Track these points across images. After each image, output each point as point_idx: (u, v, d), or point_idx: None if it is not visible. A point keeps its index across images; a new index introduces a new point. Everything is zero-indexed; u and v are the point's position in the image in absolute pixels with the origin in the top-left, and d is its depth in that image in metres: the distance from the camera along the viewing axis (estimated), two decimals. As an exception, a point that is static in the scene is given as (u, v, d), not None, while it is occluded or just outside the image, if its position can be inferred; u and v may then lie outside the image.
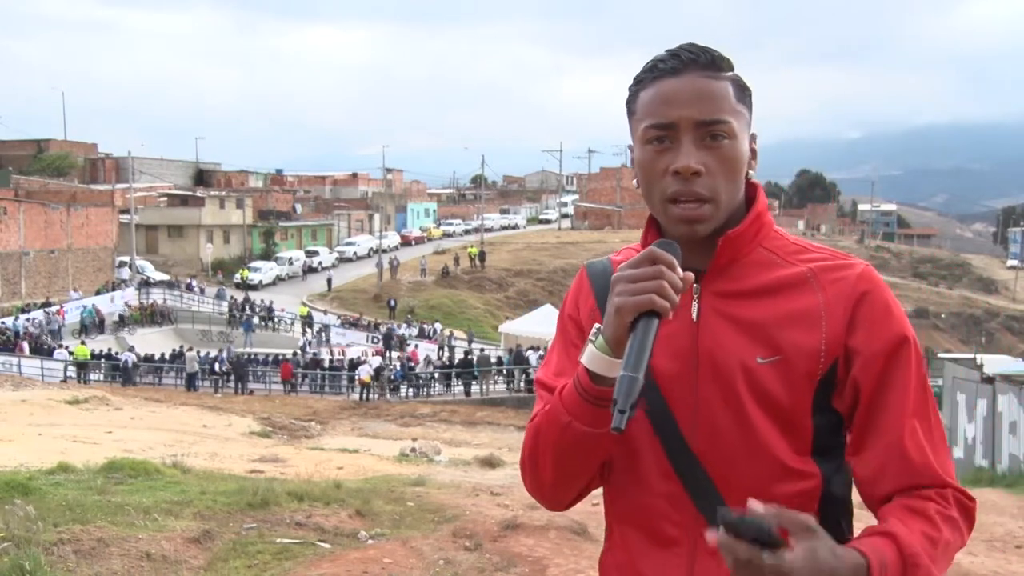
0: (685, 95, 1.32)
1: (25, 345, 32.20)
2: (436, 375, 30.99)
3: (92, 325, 37.33)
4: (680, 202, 1.32)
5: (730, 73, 1.36)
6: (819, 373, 1.32)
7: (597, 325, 1.29)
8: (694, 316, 1.36)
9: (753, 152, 1.39)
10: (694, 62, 1.34)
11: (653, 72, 1.36)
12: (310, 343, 37.11)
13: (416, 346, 36.01)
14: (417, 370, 31.60)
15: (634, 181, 1.42)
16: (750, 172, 1.39)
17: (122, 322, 38.85)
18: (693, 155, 1.31)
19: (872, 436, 1.32)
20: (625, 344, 1.23)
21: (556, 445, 1.34)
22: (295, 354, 33.51)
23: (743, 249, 1.38)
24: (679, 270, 1.24)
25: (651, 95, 1.35)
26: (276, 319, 41.76)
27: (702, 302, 1.37)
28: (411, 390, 30.42)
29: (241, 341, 37.43)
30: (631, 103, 1.40)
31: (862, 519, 1.34)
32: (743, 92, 1.37)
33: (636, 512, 1.40)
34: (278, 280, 51.40)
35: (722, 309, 1.36)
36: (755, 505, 1.14)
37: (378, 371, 29.64)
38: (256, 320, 41.76)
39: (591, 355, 1.27)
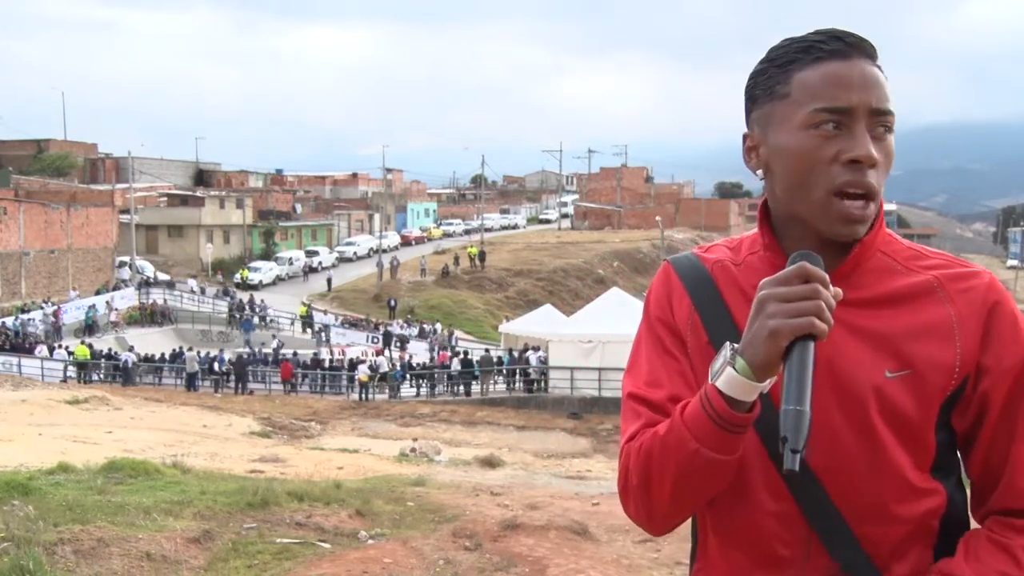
0: (859, 80, 1.23)
1: (44, 348, 32.17)
2: (436, 374, 30.97)
3: (94, 326, 37.32)
4: (849, 197, 1.22)
5: (879, 64, 1.27)
6: (950, 389, 1.25)
7: (732, 345, 1.18)
8: None
9: None
10: (859, 47, 1.25)
11: (812, 52, 1.25)
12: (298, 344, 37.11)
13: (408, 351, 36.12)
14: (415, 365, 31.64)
15: (757, 172, 1.32)
16: None
17: (114, 326, 38.78)
18: (870, 144, 1.22)
19: (992, 455, 1.27)
20: (772, 370, 1.13)
21: (678, 473, 1.23)
22: (295, 353, 33.52)
23: (867, 254, 1.29)
24: (831, 287, 1.14)
25: (820, 76, 1.24)
26: (270, 319, 41.78)
27: None
28: (412, 389, 30.42)
29: (241, 341, 37.45)
30: (774, 85, 1.28)
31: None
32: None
33: (742, 531, 1.30)
34: (278, 280, 51.40)
35: (845, 318, 1.25)
36: None
37: (375, 369, 29.68)
38: (255, 320, 41.82)
39: (730, 379, 1.15)
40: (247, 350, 34.52)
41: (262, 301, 43.78)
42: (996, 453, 1.26)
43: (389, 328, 40.09)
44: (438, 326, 41.47)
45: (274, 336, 37.64)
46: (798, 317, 1.11)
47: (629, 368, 1.40)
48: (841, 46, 1.25)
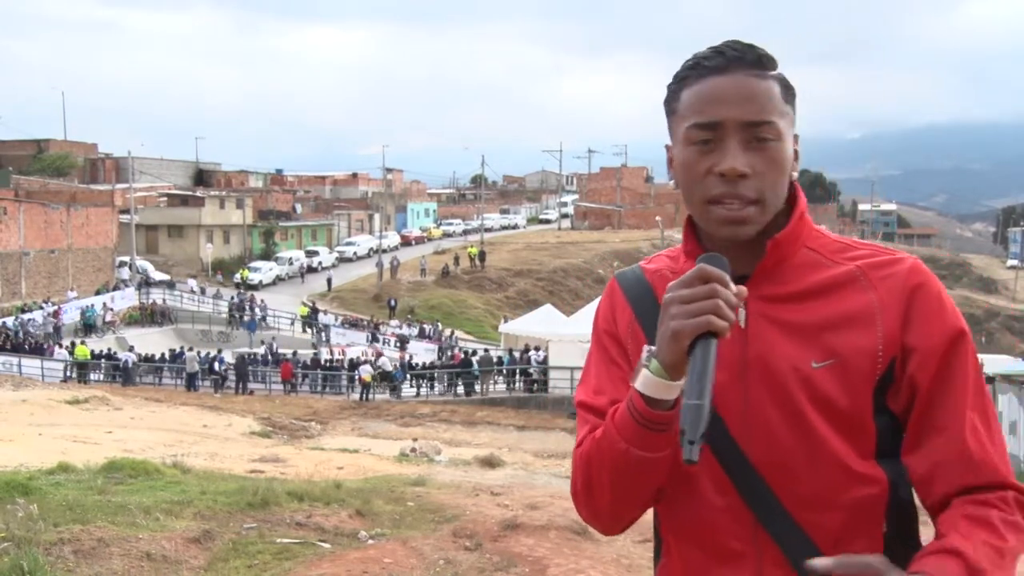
0: (731, 94, 1.27)
1: (57, 349, 32.16)
2: (435, 374, 30.99)
3: (94, 326, 37.33)
4: (724, 203, 1.27)
5: (775, 72, 1.31)
6: (878, 373, 1.28)
7: (648, 347, 1.24)
8: (741, 323, 1.30)
9: (795, 153, 1.35)
10: (740, 60, 1.29)
11: (696, 70, 1.31)
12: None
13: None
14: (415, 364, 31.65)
15: (671, 182, 1.38)
16: (792, 173, 1.34)
17: (110, 325, 38.78)
18: (739, 157, 1.26)
19: (930, 434, 1.28)
20: (682, 368, 1.18)
21: (612, 473, 1.29)
22: (295, 353, 33.53)
23: (789, 251, 1.34)
24: (732, 285, 1.19)
25: (695, 93, 1.30)
26: (271, 318, 41.81)
27: (749, 308, 1.32)
28: (412, 389, 30.44)
29: (246, 341, 37.48)
30: (671, 101, 1.35)
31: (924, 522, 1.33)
32: (788, 92, 1.32)
33: (694, 527, 1.34)
34: (278, 280, 51.43)
35: (770, 314, 1.32)
36: (816, 562, 1.13)
37: (376, 369, 29.71)
38: (257, 320, 41.85)
39: (646, 380, 1.22)
40: (252, 350, 34.55)
41: (262, 301, 43.79)
42: (936, 432, 1.27)
43: (376, 327, 40.17)
44: (439, 326, 41.48)
45: (273, 338, 37.66)
46: (697, 317, 1.17)
47: (581, 379, 1.47)
48: (721, 61, 1.29)
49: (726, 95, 1.28)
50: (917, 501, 1.35)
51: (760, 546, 1.29)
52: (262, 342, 37.25)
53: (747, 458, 1.29)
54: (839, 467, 1.27)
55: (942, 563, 1.17)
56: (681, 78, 1.33)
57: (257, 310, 42.27)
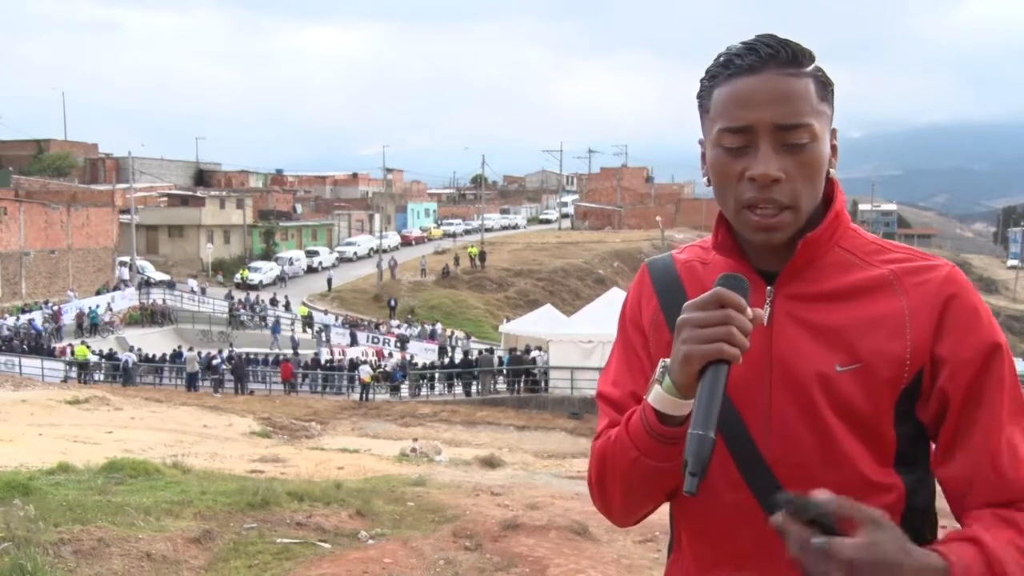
0: (763, 96, 1.23)
1: (68, 350, 32.21)
2: (437, 375, 30.99)
3: (95, 326, 37.32)
4: (758, 208, 1.24)
5: (811, 68, 1.26)
6: (903, 382, 1.25)
7: (664, 362, 1.22)
8: (766, 321, 1.28)
9: (834, 149, 1.30)
10: (773, 58, 1.24)
11: (728, 68, 1.26)
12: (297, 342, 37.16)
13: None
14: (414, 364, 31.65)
15: (704, 179, 1.34)
16: (830, 170, 1.30)
17: (109, 325, 38.78)
18: (772, 161, 1.23)
19: (962, 449, 1.24)
20: (693, 389, 1.17)
21: (624, 475, 1.30)
22: (295, 353, 33.53)
23: (820, 250, 1.30)
24: (749, 311, 1.16)
25: (726, 94, 1.26)
26: (271, 318, 41.82)
27: (775, 306, 1.29)
28: (411, 388, 30.44)
29: (246, 341, 37.50)
30: (704, 99, 1.31)
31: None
32: (825, 89, 1.27)
33: (706, 524, 1.33)
34: (278, 280, 51.41)
35: (797, 313, 1.28)
36: (820, 493, 1.10)
37: (376, 368, 29.72)
38: (256, 320, 41.87)
39: (657, 396, 1.21)
40: (282, 351, 34.61)
41: (262, 299, 43.79)
42: (963, 447, 1.24)
43: (377, 327, 40.20)
44: (439, 326, 41.48)
45: (293, 339, 37.80)
46: (708, 344, 1.15)
47: (604, 368, 1.47)
48: (754, 59, 1.24)
49: (758, 97, 1.23)
50: (938, 507, 1.33)
51: (770, 545, 1.25)
52: (292, 339, 37.32)
53: (763, 457, 1.28)
54: (855, 473, 1.25)
55: (959, 549, 1.14)
56: (712, 76, 1.29)
57: (280, 309, 42.28)
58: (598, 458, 1.35)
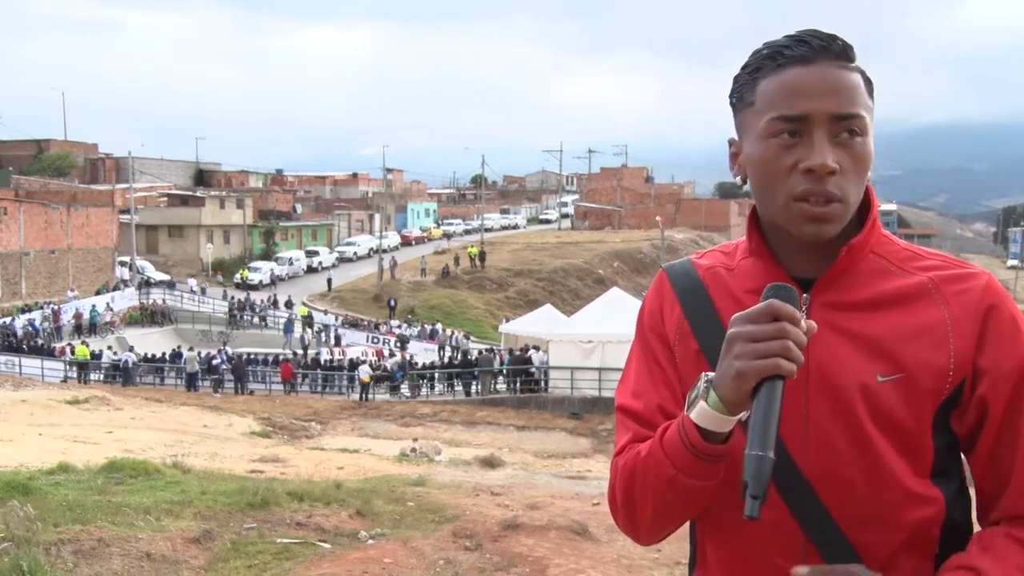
0: (818, 85, 1.20)
1: (68, 349, 32.18)
2: (436, 375, 30.98)
3: (95, 326, 37.32)
4: (809, 200, 1.20)
5: (857, 64, 1.24)
6: (945, 393, 1.22)
7: (707, 376, 1.17)
8: None
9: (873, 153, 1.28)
10: (825, 50, 1.22)
11: (776, 59, 1.23)
12: (306, 341, 37.13)
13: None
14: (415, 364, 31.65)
15: (737, 178, 1.30)
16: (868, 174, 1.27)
17: (110, 326, 38.75)
18: (828, 152, 1.19)
19: (996, 461, 1.23)
20: (743, 406, 1.13)
21: (658, 495, 1.24)
22: (295, 354, 33.51)
23: (859, 256, 1.27)
24: (803, 323, 1.12)
25: (777, 84, 1.22)
26: (271, 319, 41.80)
27: (812, 314, 1.24)
28: (411, 389, 30.45)
29: (246, 341, 37.49)
30: (744, 94, 1.27)
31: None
32: (870, 86, 1.25)
33: (737, 539, 1.28)
34: (278, 280, 51.41)
35: (835, 322, 1.24)
36: (800, 570, 1.09)
37: (376, 368, 29.71)
38: (255, 320, 41.85)
39: (703, 413, 1.16)
40: (289, 351, 34.58)
41: (261, 300, 43.79)
42: (1001, 459, 1.23)
43: (377, 327, 40.13)
44: (439, 326, 41.48)
45: (303, 340, 37.77)
46: (764, 359, 1.10)
47: (621, 379, 1.41)
48: (805, 50, 1.22)
49: (813, 87, 1.20)
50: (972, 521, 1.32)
51: (806, 563, 1.22)
52: (302, 339, 37.32)
53: (801, 472, 1.23)
54: (897, 486, 1.22)
55: None
56: (756, 68, 1.26)
57: (281, 310, 42.27)
58: (626, 476, 1.29)
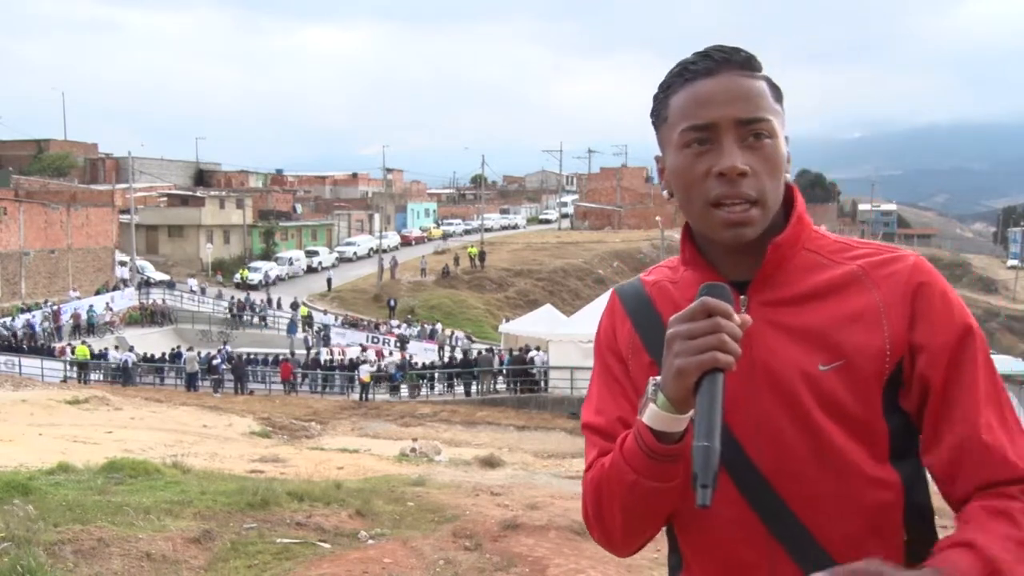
0: (723, 94, 1.26)
1: (68, 349, 32.13)
2: (436, 375, 30.98)
3: (92, 326, 37.32)
4: (725, 205, 1.25)
5: (762, 73, 1.31)
6: (886, 373, 1.26)
7: (654, 380, 1.21)
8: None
9: (787, 155, 1.33)
10: (728, 61, 1.28)
11: (684, 75, 1.30)
12: (309, 341, 37.14)
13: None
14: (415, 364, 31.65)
15: (664, 192, 1.36)
16: (785, 174, 1.32)
17: (110, 326, 38.73)
18: (737, 155, 1.25)
19: (945, 432, 1.25)
20: (689, 402, 1.17)
21: (623, 502, 1.28)
22: (294, 354, 33.51)
23: (788, 253, 1.31)
24: (736, 316, 1.17)
25: (685, 97, 1.29)
26: (271, 319, 41.80)
27: (750, 313, 1.27)
28: (410, 389, 30.45)
29: (246, 341, 37.50)
30: (660, 110, 1.34)
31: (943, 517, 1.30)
32: (777, 92, 1.32)
33: (708, 540, 1.33)
34: (278, 280, 51.42)
35: (773, 318, 1.29)
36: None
37: (378, 368, 29.73)
38: (256, 320, 41.85)
39: (653, 414, 1.20)
40: (298, 352, 34.59)
41: (260, 300, 43.79)
42: (948, 432, 1.25)
43: (377, 327, 40.08)
44: (439, 326, 41.48)
45: (307, 339, 37.81)
46: (701, 353, 1.14)
47: (586, 399, 1.45)
48: (710, 64, 1.28)
49: (718, 96, 1.27)
50: (933, 503, 1.33)
51: (773, 557, 1.27)
52: (307, 339, 37.32)
53: (756, 468, 1.27)
54: (851, 471, 1.25)
55: (956, 557, 1.14)
56: (667, 86, 1.33)
57: (280, 310, 42.25)
58: (593, 488, 1.33)
